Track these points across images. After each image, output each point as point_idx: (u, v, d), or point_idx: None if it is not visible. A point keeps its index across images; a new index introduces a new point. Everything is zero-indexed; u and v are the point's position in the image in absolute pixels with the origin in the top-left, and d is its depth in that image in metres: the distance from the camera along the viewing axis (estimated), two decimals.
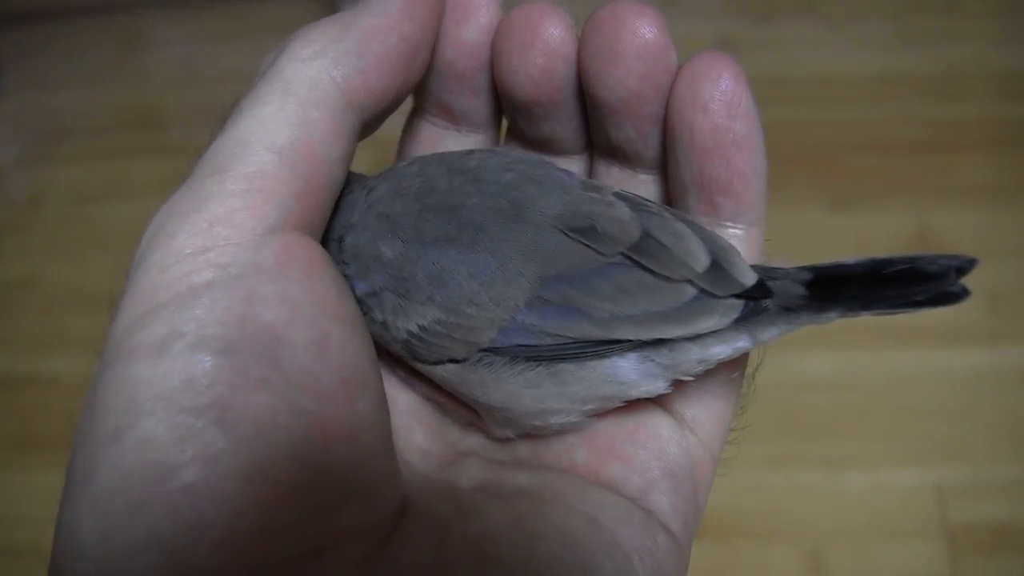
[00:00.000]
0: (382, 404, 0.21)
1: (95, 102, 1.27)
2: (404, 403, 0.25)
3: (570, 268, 0.22)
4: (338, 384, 0.19)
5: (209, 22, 1.33)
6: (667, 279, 0.21)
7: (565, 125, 0.25)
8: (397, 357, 0.24)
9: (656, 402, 0.24)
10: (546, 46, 0.23)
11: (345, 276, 0.23)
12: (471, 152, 0.24)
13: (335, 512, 0.18)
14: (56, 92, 1.38)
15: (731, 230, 0.24)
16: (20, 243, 1.18)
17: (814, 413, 0.92)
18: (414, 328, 0.22)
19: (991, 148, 1.17)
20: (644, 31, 0.22)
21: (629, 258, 0.22)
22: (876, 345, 0.94)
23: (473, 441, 0.25)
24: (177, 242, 0.19)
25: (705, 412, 0.24)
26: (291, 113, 0.20)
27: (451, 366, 0.23)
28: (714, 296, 0.21)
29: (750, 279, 0.22)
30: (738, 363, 0.24)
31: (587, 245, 0.22)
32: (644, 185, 0.25)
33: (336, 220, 0.24)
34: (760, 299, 0.22)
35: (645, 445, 0.23)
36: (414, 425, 0.24)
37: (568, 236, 0.22)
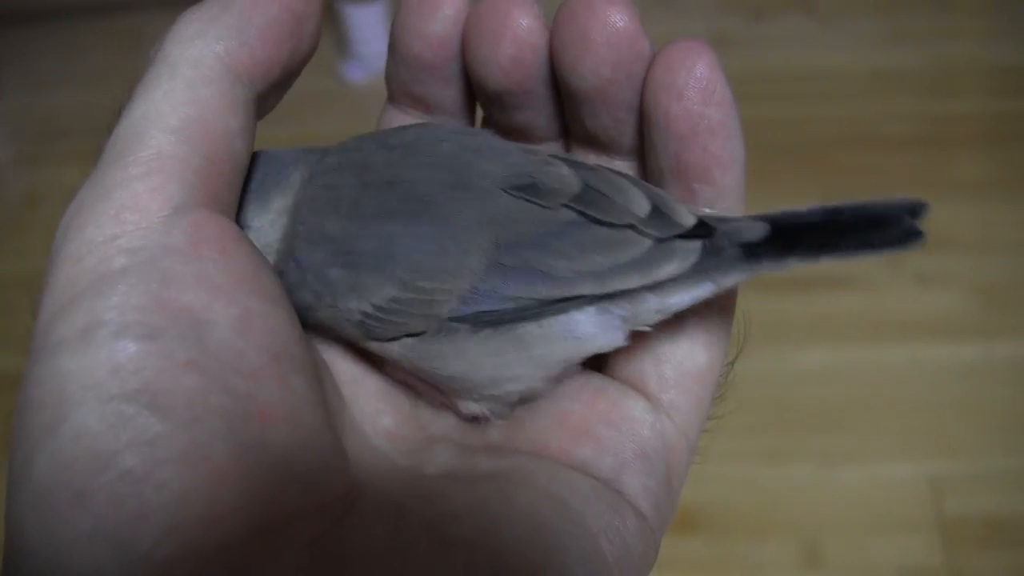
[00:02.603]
0: (315, 380, 0.21)
1: (92, 102, 1.26)
2: (373, 385, 0.24)
3: (527, 231, 0.22)
4: (268, 361, 0.19)
5: None
6: (612, 225, 0.22)
7: (539, 113, 0.25)
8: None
9: (631, 384, 0.24)
10: (516, 36, 0.23)
11: (293, 249, 0.23)
12: (405, 128, 0.25)
13: (280, 493, 0.18)
14: (53, 92, 1.38)
15: None
16: (18, 243, 1.18)
17: (808, 407, 0.92)
18: (367, 308, 0.22)
19: (984, 143, 1.17)
20: (615, 19, 0.22)
21: (573, 209, 0.22)
22: (869, 339, 0.94)
23: (445, 424, 0.24)
24: (87, 233, 0.19)
25: (682, 396, 0.24)
26: (180, 93, 0.21)
27: (409, 340, 0.23)
28: (660, 239, 0.22)
29: (689, 220, 0.22)
30: (713, 326, 0.24)
31: (531, 201, 0.22)
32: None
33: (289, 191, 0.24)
34: (705, 237, 0.22)
35: (618, 426, 0.23)
36: (383, 408, 0.24)
37: (512, 195, 0.22)
